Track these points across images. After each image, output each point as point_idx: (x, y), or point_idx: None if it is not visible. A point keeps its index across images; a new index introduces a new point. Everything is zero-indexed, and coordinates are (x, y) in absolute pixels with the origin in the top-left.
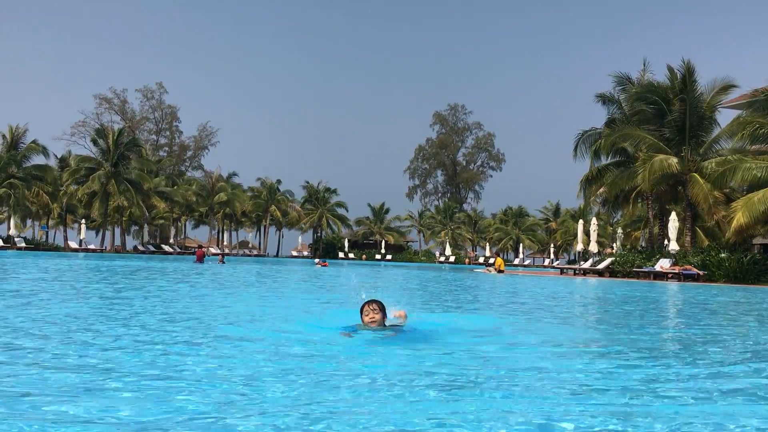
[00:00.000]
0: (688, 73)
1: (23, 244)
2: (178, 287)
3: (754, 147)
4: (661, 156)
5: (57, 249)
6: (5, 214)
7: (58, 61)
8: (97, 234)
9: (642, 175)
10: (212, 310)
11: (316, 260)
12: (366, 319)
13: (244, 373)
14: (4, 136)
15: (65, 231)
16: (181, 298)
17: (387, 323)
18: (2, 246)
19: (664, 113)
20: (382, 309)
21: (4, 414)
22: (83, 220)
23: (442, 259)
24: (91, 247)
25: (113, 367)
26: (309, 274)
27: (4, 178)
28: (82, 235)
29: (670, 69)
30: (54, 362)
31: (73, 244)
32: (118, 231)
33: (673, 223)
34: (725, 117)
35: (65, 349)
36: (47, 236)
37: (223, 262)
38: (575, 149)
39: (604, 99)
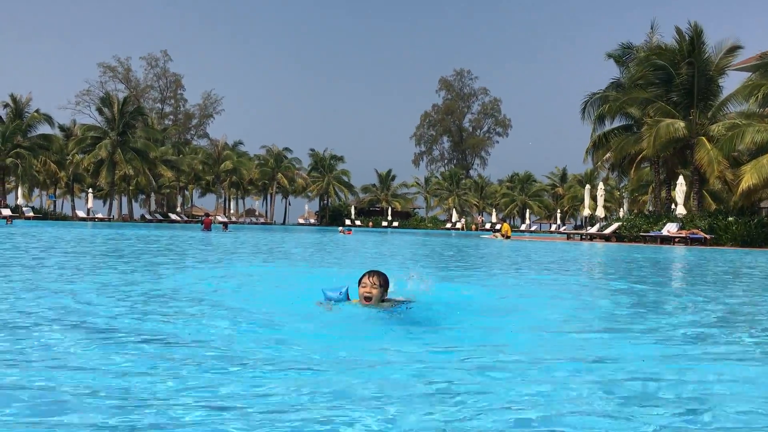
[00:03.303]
0: (696, 35)
1: (31, 214)
2: (205, 255)
3: (767, 110)
4: (668, 120)
5: (65, 218)
6: (13, 184)
7: (61, 29)
8: (104, 203)
9: (648, 140)
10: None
11: (340, 228)
12: (361, 291)
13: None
14: (8, 105)
15: (73, 200)
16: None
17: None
18: (11, 215)
19: (672, 77)
20: (384, 285)
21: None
22: (90, 190)
23: (449, 225)
24: (99, 216)
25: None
26: (338, 240)
27: (10, 147)
28: (90, 204)
29: (679, 31)
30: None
31: (81, 213)
32: (125, 200)
33: (681, 187)
34: (733, 80)
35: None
36: (55, 205)
37: (227, 230)
38: (583, 111)
39: (616, 58)
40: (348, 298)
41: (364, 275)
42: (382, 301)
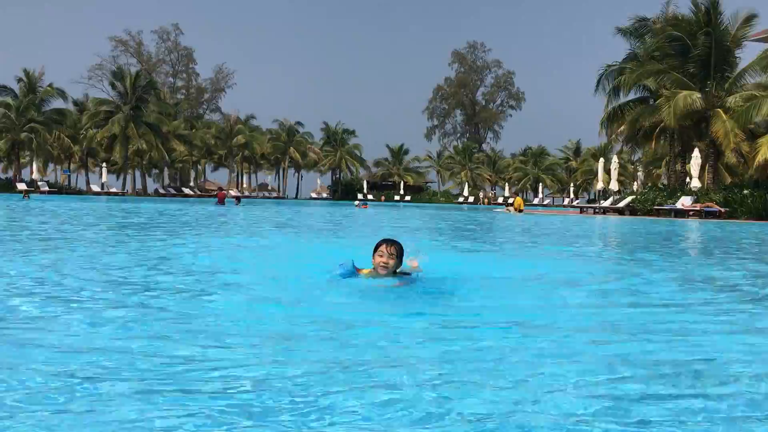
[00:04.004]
0: (713, 5)
1: (46, 188)
2: (228, 227)
3: None
4: (685, 92)
5: (80, 192)
6: (28, 159)
7: (72, 2)
8: (118, 177)
9: (667, 111)
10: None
11: (357, 202)
12: (379, 260)
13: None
14: (21, 80)
15: (87, 174)
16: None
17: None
18: (29, 190)
19: (688, 48)
20: (400, 256)
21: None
22: (104, 164)
23: (461, 199)
24: (113, 190)
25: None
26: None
27: (24, 122)
28: (104, 179)
29: (694, 2)
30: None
31: (95, 188)
32: (138, 174)
33: (696, 160)
34: (750, 51)
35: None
36: (69, 180)
37: (239, 204)
38: (598, 83)
39: (625, 32)
40: (356, 269)
41: (381, 244)
42: (394, 273)
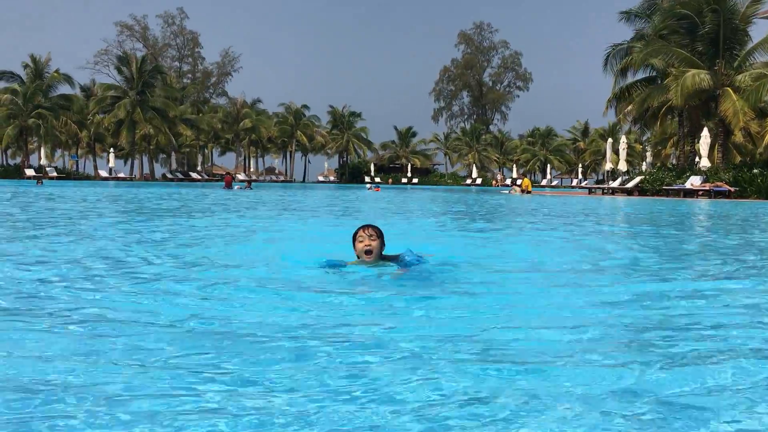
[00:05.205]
0: None
1: (55, 174)
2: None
3: None
4: (693, 71)
5: (88, 178)
6: (35, 144)
7: None
8: (125, 162)
9: (674, 90)
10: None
11: (368, 185)
12: (360, 246)
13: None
14: (27, 66)
15: (95, 160)
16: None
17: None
18: (35, 176)
19: (697, 26)
20: (381, 236)
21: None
22: (112, 149)
23: (469, 181)
24: (121, 175)
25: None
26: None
27: (31, 108)
28: (112, 164)
29: None
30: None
31: (103, 173)
32: (146, 159)
33: (705, 139)
34: (760, 29)
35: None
36: (77, 165)
37: (251, 188)
38: (605, 63)
39: (629, 16)
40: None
41: (357, 230)
42: (383, 257)
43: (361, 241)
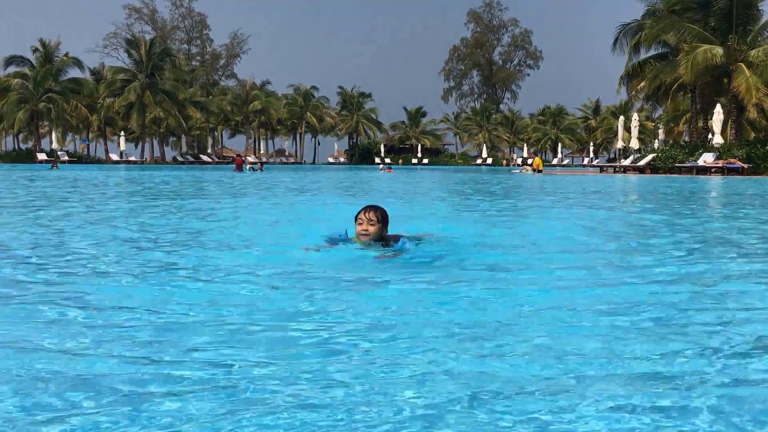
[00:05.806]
0: None
1: (66, 158)
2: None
3: None
4: (705, 46)
5: (99, 161)
6: (47, 129)
7: None
8: (136, 146)
9: (684, 66)
10: None
11: (381, 166)
12: (358, 229)
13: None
14: (37, 50)
15: (105, 144)
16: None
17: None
18: (47, 160)
19: (709, 1)
20: (383, 221)
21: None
22: (122, 133)
23: (479, 161)
24: (132, 158)
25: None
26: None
27: (42, 92)
28: (122, 147)
29: None
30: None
31: (114, 157)
32: (156, 142)
33: (718, 116)
34: None
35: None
36: (88, 149)
37: (262, 170)
38: (615, 42)
39: None
40: (348, 237)
41: (360, 211)
42: (383, 238)
43: (360, 224)
